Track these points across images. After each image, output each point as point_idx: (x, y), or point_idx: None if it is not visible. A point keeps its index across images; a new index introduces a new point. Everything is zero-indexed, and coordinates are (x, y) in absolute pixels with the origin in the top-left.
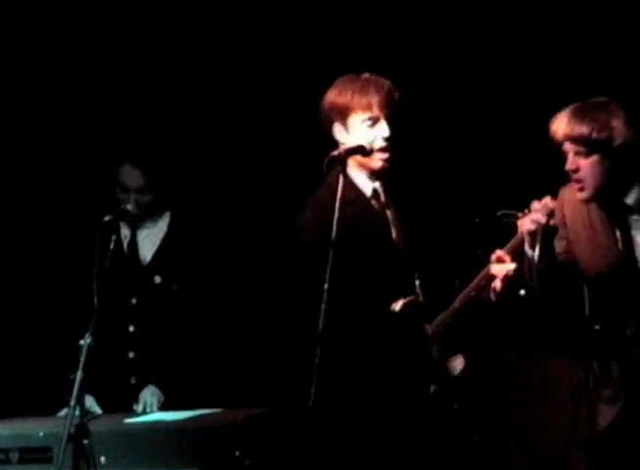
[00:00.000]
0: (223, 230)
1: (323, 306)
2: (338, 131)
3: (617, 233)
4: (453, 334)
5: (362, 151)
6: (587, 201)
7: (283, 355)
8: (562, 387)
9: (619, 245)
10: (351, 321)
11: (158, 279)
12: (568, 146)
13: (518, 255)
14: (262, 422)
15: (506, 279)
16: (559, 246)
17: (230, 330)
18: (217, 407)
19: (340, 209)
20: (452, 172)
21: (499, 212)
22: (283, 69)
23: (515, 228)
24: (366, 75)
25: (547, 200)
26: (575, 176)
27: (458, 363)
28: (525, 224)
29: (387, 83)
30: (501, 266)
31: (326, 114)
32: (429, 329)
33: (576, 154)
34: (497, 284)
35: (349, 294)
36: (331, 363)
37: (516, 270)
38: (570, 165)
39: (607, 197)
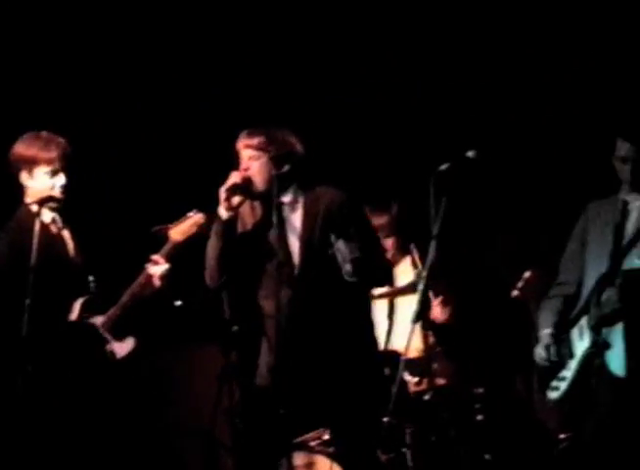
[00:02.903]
0: None
1: (25, 316)
2: (25, 178)
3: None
4: (125, 322)
5: (52, 200)
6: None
7: None
8: (211, 370)
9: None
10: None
11: None
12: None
13: (170, 257)
14: None
15: (163, 277)
16: None
17: None
18: None
19: (37, 244)
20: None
21: (153, 229)
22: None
23: (167, 237)
24: (44, 134)
25: (199, 216)
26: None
27: (127, 344)
28: (175, 234)
29: (62, 141)
30: (157, 267)
31: (14, 163)
32: (103, 320)
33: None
34: (156, 281)
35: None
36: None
37: (169, 269)
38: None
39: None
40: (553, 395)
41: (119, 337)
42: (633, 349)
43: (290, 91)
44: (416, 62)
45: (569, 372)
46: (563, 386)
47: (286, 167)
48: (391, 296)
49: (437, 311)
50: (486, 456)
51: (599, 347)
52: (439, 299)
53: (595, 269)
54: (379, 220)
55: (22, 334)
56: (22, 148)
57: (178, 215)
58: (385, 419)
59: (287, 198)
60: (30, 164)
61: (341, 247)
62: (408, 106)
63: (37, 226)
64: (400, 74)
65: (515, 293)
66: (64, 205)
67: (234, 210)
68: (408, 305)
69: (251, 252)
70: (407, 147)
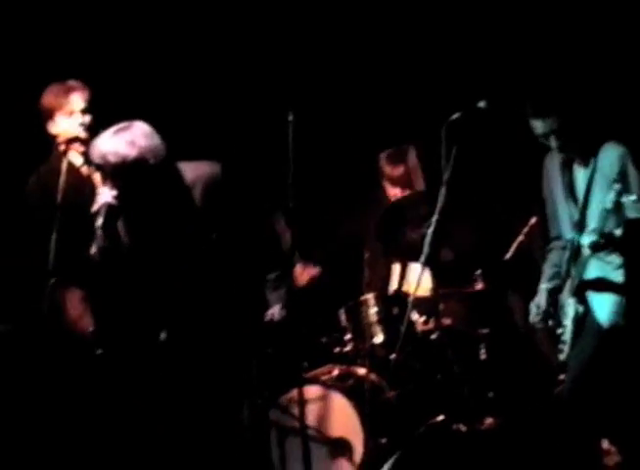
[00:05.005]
0: None
1: (52, 251)
2: (50, 126)
3: None
4: None
5: (77, 140)
6: None
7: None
8: None
9: None
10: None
11: None
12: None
13: None
14: (10, 335)
15: None
16: None
17: None
18: None
19: (64, 183)
20: None
21: None
22: None
23: None
24: (60, 83)
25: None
26: None
27: None
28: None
29: (76, 85)
30: None
31: (41, 115)
32: None
33: None
34: None
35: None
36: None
37: None
38: None
39: None
40: (561, 357)
41: None
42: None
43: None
44: (431, 7)
45: (567, 335)
46: (565, 348)
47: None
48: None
49: None
50: (489, 394)
51: (580, 316)
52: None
53: (565, 229)
54: (396, 171)
55: (49, 267)
56: (41, 100)
57: None
58: (392, 356)
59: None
60: (50, 112)
61: None
62: (425, 55)
63: (64, 166)
64: (414, 23)
65: (520, 238)
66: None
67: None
68: None
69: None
70: (422, 96)
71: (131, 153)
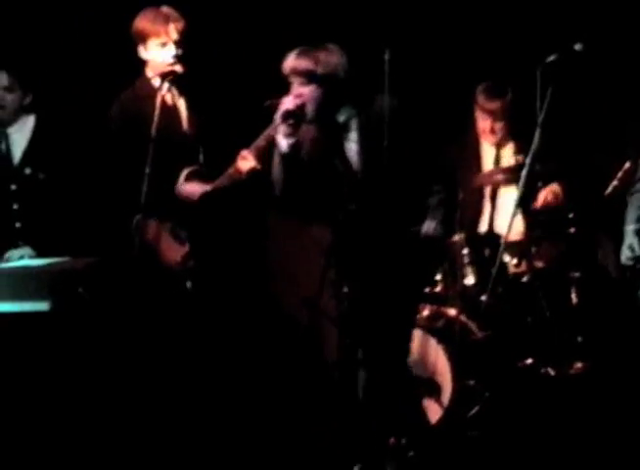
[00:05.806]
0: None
1: (145, 185)
2: (141, 51)
3: None
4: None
5: (173, 74)
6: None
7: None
8: (318, 246)
9: None
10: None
11: (27, 170)
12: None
13: (261, 153)
14: (99, 267)
15: (250, 172)
16: None
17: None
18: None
19: (157, 118)
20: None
21: (266, 102)
22: None
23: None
24: (157, 8)
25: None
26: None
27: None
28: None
29: (172, 14)
30: (245, 163)
31: (133, 38)
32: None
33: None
34: (243, 176)
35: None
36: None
37: (255, 167)
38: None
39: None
40: None
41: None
42: None
43: None
44: None
45: None
46: None
47: (333, 91)
48: (494, 175)
49: (549, 196)
50: (579, 339)
51: None
52: (553, 186)
53: None
54: (493, 105)
55: (141, 202)
56: (135, 23)
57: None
58: (483, 298)
59: (341, 118)
60: (143, 37)
61: None
62: None
63: (159, 100)
64: None
65: (615, 183)
66: (182, 76)
67: (292, 136)
68: (511, 189)
69: (316, 175)
70: (518, 37)
71: (322, 68)
